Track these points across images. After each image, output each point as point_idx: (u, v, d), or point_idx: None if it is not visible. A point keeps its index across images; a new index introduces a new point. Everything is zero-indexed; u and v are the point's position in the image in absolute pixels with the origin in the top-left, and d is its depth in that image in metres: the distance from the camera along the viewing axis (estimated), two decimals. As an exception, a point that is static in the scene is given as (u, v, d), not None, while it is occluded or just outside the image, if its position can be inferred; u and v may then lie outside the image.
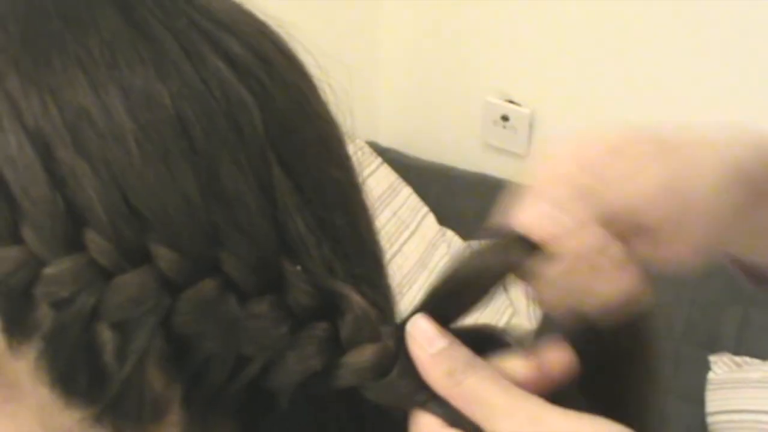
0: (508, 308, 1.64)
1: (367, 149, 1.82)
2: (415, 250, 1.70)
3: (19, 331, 0.34)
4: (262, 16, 0.39)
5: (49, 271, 0.32)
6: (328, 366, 0.35)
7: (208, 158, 0.34)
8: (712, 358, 1.55)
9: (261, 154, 0.35)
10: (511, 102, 1.82)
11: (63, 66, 0.34)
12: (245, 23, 0.38)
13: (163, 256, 0.33)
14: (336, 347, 0.35)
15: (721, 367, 1.53)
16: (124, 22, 0.35)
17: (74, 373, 0.34)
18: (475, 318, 1.53)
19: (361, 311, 0.35)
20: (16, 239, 0.32)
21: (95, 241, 0.32)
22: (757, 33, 1.51)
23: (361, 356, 0.35)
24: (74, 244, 0.32)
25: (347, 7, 1.85)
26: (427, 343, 0.35)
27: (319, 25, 1.73)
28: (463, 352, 0.35)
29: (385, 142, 1.96)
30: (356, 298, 0.35)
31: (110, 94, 0.33)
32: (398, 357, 0.36)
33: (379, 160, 1.81)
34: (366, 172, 1.90)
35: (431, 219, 1.78)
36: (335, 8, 1.79)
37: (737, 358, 1.53)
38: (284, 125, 0.36)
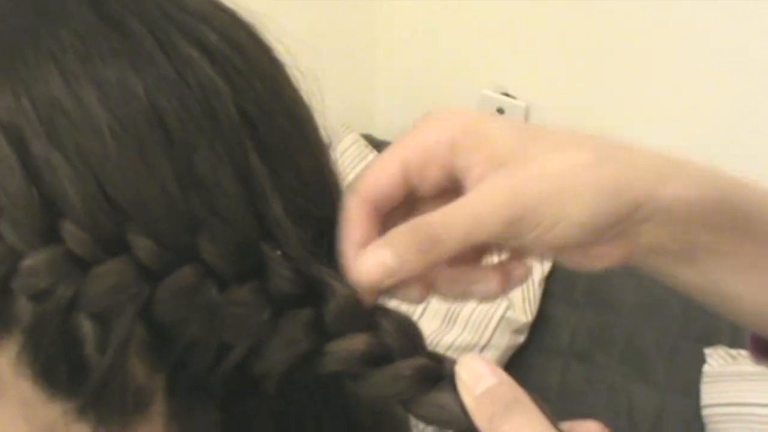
0: (503, 301, 1.64)
1: (363, 142, 1.82)
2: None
3: None
4: (233, 6, 0.39)
5: (26, 263, 0.32)
6: (314, 352, 0.35)
7: (184, 147, 0.34)
8: (708, 351, 1.55)
9: (237, 141, 0.35)
10: (507, 95, 1.82)
11: (35, 59, 0.33)
12: (217, 12, 0.38)
13: (141, 245, 0.33)
14: (322, 334, 0.35)
15: (717, 360, 1.53)
16: (95, 14, 0.35)
17: (56, 365, 0.33)
18: (472, 308, 1.54)
19: (344, 298, 0.35)
20: None
21: (72, 232, 0.32)
22: (755, 33, 1.51)
23: (351, 345, 0.35)
24: (51, 235, 0.32)
25: (345, 1, 1.84)
26: (474, 382, 0.34)
27: (315, 18, 1.73)
28: (508, 392, 0.33)
29: (380, 134, 1.96)
30: (338, 285, 0.35)
31: (84, 86, 0.33)
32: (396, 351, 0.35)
33: (375, 152, 1.81)
34: (362, 165, 1.90)
35: (427, 211, 1.78)
36: (332, 1, 1.79)
37: (732, 351, 1.53)
38: (260, 111, 0.36)
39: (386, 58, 1.96)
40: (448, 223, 0.36)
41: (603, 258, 0.39)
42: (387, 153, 0.39)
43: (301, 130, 0.39)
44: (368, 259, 0.35)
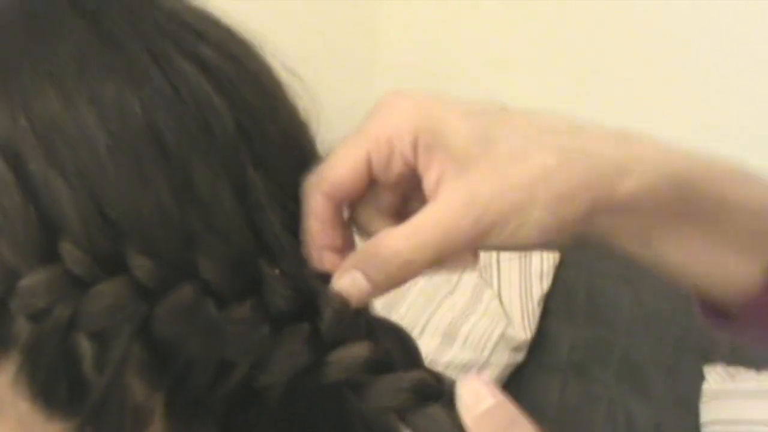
0: (503, 319, 1.63)
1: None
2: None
3: None
4: (229, 21, 0.39)
5: (24, 283, 0.32)
6: (316, 363, 0.35)
7: (180, 163, 0.34)
8: (707, 369, 1.55)
9: (234, 156, 0.35)
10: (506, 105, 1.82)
11: (32, 78, 0.33)
12: (213, 27, 0.38)
13: (139, 264, 0.32)
14: (321, 345, 0.35)
15: (715, 378, 1.53)
16: (91, 32, 0.35)
17: (54, 385, 0.33)
18: (471, 326, 1.55)
19: (338, 306, 0.35)
20: None
21: (70, 252, 0.32)
22: (755, 33, 1.51)
23: (354, 352, 0.35)
24: (49, 255, 0.32)
25: (346, 13, 1.85)
26: (474, 403, 0.33)
27: (318, 30, 1.74)
28: (507, 413, 0.33)
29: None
30: (332, 295, 0.35)
31: (80, 104, 0.33)
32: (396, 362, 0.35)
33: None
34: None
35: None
36: (334, 14, 1.80)
37: (731, 369, 1.53)
38: (256, 125, 0.36)
39: (387, 72, 1.96)
40: (415, 246, 0.36)
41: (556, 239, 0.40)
42: (348, 145, 0.38)
43: (298, 145, 0.39)
44: (344, 281, 0.36)
